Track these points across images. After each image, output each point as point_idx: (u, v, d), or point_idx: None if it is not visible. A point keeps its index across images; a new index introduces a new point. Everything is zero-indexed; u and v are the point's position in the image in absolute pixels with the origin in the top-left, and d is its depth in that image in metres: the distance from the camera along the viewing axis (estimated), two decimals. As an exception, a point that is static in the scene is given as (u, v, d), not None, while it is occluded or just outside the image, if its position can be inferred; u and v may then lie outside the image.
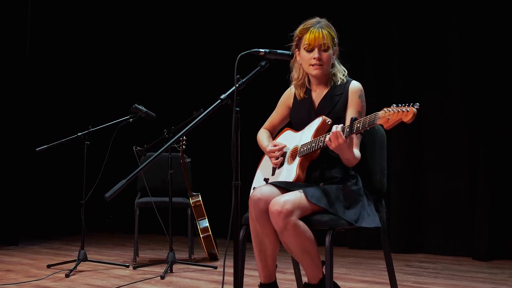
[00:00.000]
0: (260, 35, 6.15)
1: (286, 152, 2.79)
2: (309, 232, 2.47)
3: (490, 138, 4.92)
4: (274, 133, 3.01)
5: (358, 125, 2.35)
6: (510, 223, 4.88)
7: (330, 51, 2.69)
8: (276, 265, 2.66)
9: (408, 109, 2.18)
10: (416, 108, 2.17)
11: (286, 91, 2.94)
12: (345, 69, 2.79)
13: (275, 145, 2.80)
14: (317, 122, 2.66)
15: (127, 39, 7.60)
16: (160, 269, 4.34)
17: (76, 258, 4.43)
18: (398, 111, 2.19)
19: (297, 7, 5.90)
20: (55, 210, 7.10)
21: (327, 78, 2.76)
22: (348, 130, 2.39)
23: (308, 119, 2.74)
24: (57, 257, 5.15)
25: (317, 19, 2.73)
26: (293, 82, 2.86)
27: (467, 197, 5.07)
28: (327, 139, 2.45)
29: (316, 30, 2.67)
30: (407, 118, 2.18)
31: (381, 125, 2.27)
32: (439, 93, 5.30)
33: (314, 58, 2.68)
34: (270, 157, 2.82)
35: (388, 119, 2.22)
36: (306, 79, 2.82)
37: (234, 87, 2.24)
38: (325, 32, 2.66)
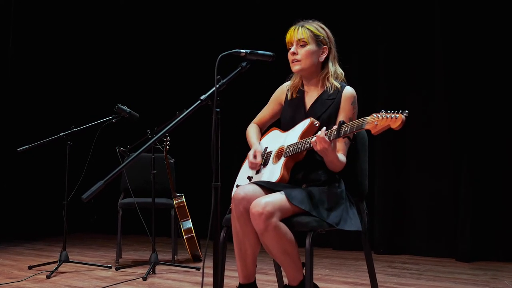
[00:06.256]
0: (242, 36, 6.16)
1: (271, 151, 2.79)
2: (290, 234, 2.46)
3: (473, 141, 4.95)
4: (264, 129, 3.00)
5: (346, 128, 2.35)
6: (493, 225, 4.91)
7: (310, 47, 2.68)
8: (256, 266, 2.65)
9: (397, 115, 2.18)
10: (405, 116, 2.18)
11: (280, 87, 2.93)
12: (342, 72, 2.77)
13: (255, 156, 2.77)
14: (304, 123, 2.66)
15: (110, 39, 7.55)
16: (143, 270, 4.31)
17: (58, 259, 4.40)
18: (387, 117, 2.20)
19: (280, 9, 5.91)
20: (38, 210, 7.04)
21: (318, 79, 2.75)
22: (335, 133, 2.39)
23: (297, 120, 2.73)
24: (39, 258, 5.10)
25: (307, 20, 2.74)
26: (290, 83, 2.86)
27: (450, 199, 5.10)
28: (313, 140, 2.44)
29: (293, 28, 2.71)
30: (396, 125, 2.18)
31: (369, 130, 2.27)
32: (423, 96, 5.32)
33: (291, 53, 2.70)
34: (249, 160, 2.80)
35: (376, 124, 2.22)
36: (300, 82, 2.82)
37: (214, 88, 2.23)
38: (303, 29, 2.68)
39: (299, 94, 2.80)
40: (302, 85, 2.82)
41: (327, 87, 2.72)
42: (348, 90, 2.70)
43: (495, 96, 4.93)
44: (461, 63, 5.03)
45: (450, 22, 5.10)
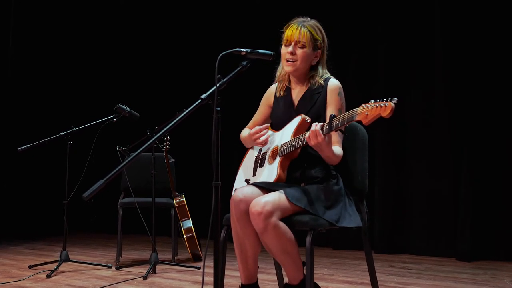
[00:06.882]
0: (242, 35, 6.16)
1: (266, 152, 2.79)
2: (290, 233, 2.46)
3: (473, 140, 4.95)
4: None
5: (337, 122, 2.35)
6: (493, 224, 4.91)
7: (307, 50, 2.67)
8: (258, 266, 2.65)
9: (386, 104, 2.17)
10: (394, 103, 2.17)
11: (267, 90, 2.94)
12: (328, 74, 2.77)
13: (256, 132, 2.77)
14: (296, 120, 2.66)
15: (110, 39, 7.55)
16: (143, 270, 4.31)
17: (58, 258, 4.40)
18: (377, 107, 2.19)
19: (280, 8, 5.91)
20: (38, 210, 7.04)
21: (306, 78, 2.76)
22: (327, 127, 2.39)
23: (288, 118, 2.73)
24: (39, 257, 5.10)
25: (306, 18, 2.74)
26: (276, 79, 2.86)
27: (450, 198, 5.10)
28: (306, 136, 2.45)
29: (295, 26, 2.68)
30: (386, 113, 2.17)
31: (360, 121, 2.27)
32: (423, 95, 5.32)
33: (288, 53, 2.68)
34: (255, 139, 2.77)
35: (367, 114, 2.22)
36: (287, 77, 2.82)
37: (214, 87, 2.23)
38: (304, 30, 2.66)
39: (286, 92, 2.81)
40: (289, 82, 2.82)
41: (311, 84, 2.73)
42: (333, 82, 2.70)
43: (495, 96, 4.94)
44: (461, 63, 5.03)
45: (450, 22, 5.10)
